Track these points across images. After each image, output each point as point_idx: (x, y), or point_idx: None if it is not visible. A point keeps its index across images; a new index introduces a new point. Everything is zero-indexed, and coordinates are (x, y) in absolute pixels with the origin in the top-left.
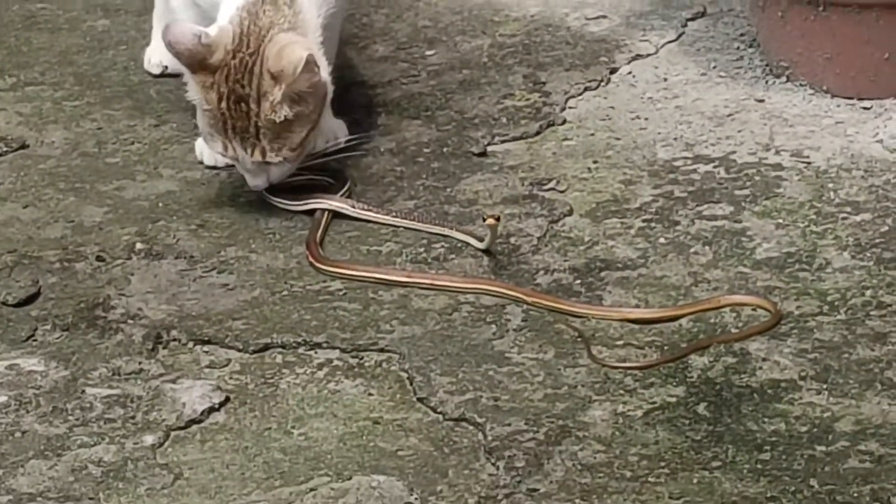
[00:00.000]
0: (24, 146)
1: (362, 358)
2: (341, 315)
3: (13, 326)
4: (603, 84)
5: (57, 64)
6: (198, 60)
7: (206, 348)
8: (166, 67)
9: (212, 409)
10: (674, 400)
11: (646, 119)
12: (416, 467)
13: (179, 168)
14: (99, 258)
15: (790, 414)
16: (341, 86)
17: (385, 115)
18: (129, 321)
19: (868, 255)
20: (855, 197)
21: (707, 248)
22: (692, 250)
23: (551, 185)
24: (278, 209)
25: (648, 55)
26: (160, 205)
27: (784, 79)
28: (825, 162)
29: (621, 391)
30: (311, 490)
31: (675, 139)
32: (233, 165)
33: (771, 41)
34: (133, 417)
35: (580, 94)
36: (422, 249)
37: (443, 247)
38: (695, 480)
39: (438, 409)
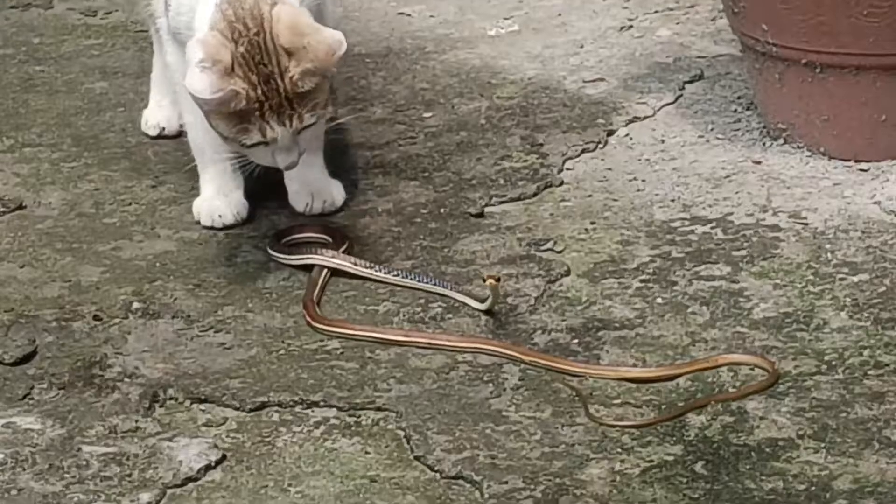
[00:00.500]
0: (21, 207)
1: (359, 416)
2: (338, 374)
3: (10, 385)
4: (600, 146)
5: (55, 125)
6: (223, 77)
7: (202, 406)
8: (163, 129)
9: (208, 467)
10: (671, 458)
11: (643, 181)
12: None
13: (177, 228)
14: (96, 317)
15: (788, 472)
16: (339, 147)
17: (383, 177)
18: (126, 380)
19: (866, 315)
20: (852, 258)
21: (704, 308)
22: (690, 310)
23: (549, 245)
24: (275, 268)
25: (646, 117)
26: (157, 264)
27: (781, 141)
28: (823, 223)
29: (619, 449)
30: None
31: (673, 200)
32: (230, 227)
33: (768, 103)
34: (129, 475)
35: (578, 156)
36: (419, 309)
37: (440, 306)
38: None
39: (435, 468)
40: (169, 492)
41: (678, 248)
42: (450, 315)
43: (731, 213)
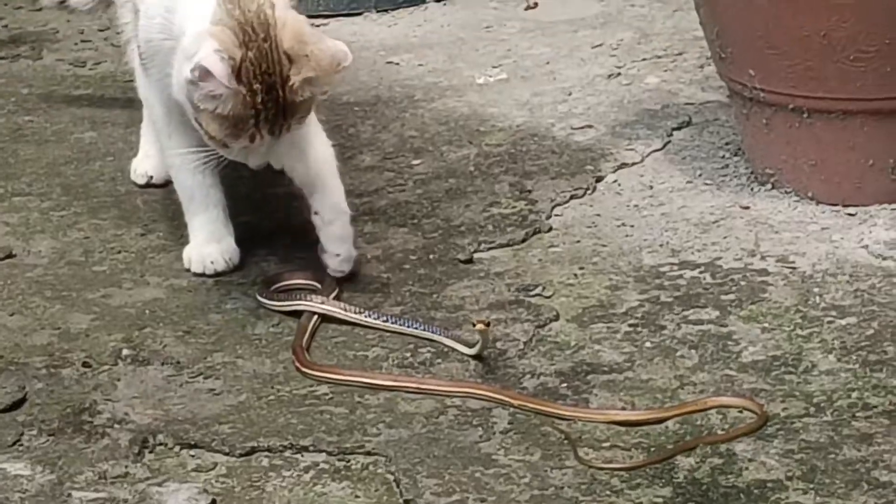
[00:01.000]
0: (11, 255)
1: (349, 461)
2: (328, 419)
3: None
4: (589, 192)
5: (44, 175)
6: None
7: (192, 452)
8: (151, 178)
9: None
10: (661, 500)
11: (632, 226)
12: None
13: (166, 276)
14: (85, 364)
15: None
16: None
17: (372, 223)
18: (116, 426)
19: (854, 357)
20: (840, 301)
21: (693, 351)
22: (678, 354)
23: (537, 290)
24: (264, 315)
25: (634, 164)
26: (147, 312)
27: (769, 186)
28: (811, 267)
29: (608, 492)
30: None
31: (661, 245)
32: (222, 273)
33: (756, 149)
34: None
35: (566, 202)
36: (408, 354)
37: (429, 351)
38: None
39: None
40: None
41: (667, 292)
42: (439, 360)
43: (720, 258)
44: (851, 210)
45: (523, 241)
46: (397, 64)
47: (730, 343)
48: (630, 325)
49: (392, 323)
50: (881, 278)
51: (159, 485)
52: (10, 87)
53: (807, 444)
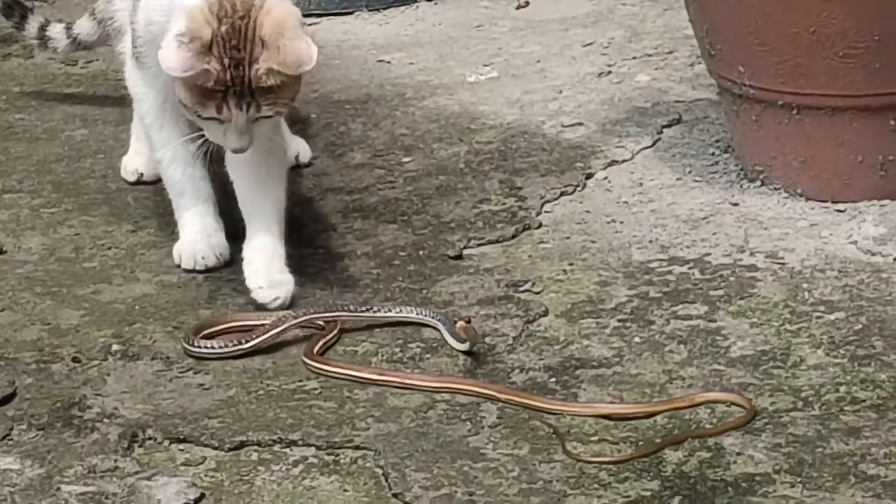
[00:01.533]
0: (1, 252)
1: (338, 455)
2: (317, 413)
3: None
4: (579, 189)
5: (35, 172)
6: (198, 55)
7: (181, 446)
8: (142, 175)
9: None
10: (648, 494)
11: (621, 223)
12: None
13: (156, 272)
14: (75, 359)
15: None
16: (319, 192)
17: (362, 220)
18: (105, 420)
19: (842, 352)
20: (829, 296)
21: (682, 346)
22: (667, 349)
23: (527, 286)
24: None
25: (624, 161)
26: (137, 307)
27: (758, 182)
28: (799, 263)
29: (596, 485)
30: None
31: (651, 242)
32: (213, 269)
33: (745, 146)
34: None
35: (556, 199)
36: (397, 349)
37: (419, 346)
38: None
39: None
40: None
41: (656, 288)
42: (428, 355)
43: (709, 254)
44: (840, 206)
45: (513, 237)
46: (388, 62)
47: (718, 338)
48: (619, 321)
49: (395, 312)
50: (869, 274)
51: (148, 479)
52: (1, 85)
53: (794, 437)
